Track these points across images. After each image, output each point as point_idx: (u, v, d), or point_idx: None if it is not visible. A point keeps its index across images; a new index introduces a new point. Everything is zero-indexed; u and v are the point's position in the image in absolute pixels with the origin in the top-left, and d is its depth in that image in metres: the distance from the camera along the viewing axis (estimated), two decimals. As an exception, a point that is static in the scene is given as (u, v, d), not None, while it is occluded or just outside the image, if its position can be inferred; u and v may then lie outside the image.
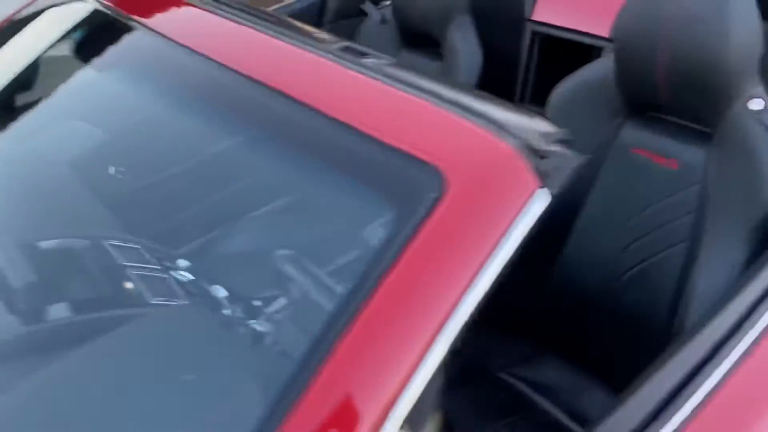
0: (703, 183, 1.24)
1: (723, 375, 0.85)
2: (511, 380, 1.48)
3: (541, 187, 0.69)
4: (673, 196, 1.28)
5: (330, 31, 2.04)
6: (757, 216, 1.13)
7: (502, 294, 1.46)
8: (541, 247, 1.45)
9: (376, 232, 0.72)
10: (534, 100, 1.84)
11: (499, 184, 0.71)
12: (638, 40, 1.18)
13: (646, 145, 1.32)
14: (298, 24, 1.17)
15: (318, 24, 2.11)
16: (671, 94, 1.22)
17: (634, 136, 1.34)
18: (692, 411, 0.83)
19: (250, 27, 1.01)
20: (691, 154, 1.26)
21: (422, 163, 0.72)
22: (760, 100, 1.13)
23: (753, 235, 1.13)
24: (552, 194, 0.70)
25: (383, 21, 1.93)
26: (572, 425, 1.38)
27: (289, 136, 0.87)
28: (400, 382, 0.63)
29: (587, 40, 1.62)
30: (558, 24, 1.68)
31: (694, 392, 0.84)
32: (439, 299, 0.66)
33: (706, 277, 1.20)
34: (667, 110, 1.30)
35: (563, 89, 1.41)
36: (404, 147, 0.74)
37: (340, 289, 0.72)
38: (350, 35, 1.99)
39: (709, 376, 0.85)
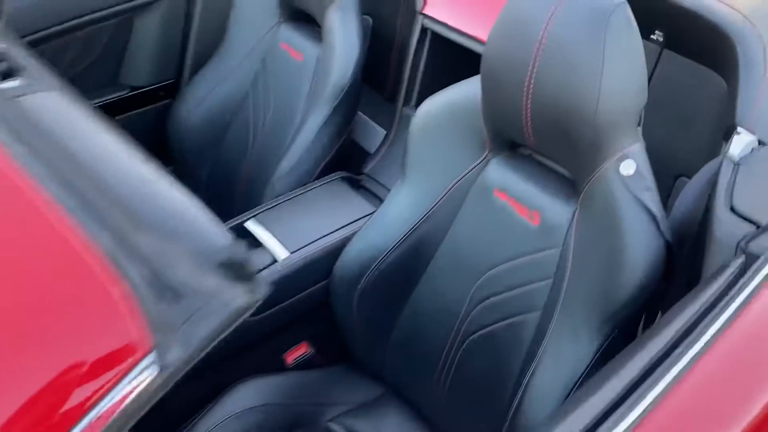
0: (565, 248, 1.03)
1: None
2: (339, 430, 1.28)
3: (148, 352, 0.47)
4: (532, 256, 1.08)
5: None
6: (612, 301, 0.93)
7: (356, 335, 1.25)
8: (396, 288, 1.25)
9: None
10: (420, 102, 1.61)
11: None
12: (505, 69, 0.95)
13: (510, 189, 1.10)
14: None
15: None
16: (536, 137, 1.00)
17: (500, 176, 1.12)
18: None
19: None
20: (556, 211, 1.04)
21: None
22: (632, 162, 0.91)
23: (608, 322, 0.94)
24: (161, 366, 0.47)
25: None
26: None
27: None
28: None
29: (479, 48, 1.38)
30: (450, 24, 1.43)
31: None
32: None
33: (551, 360, 1.00)
34: (537, 151, 1.08)
35: (428, 108, 1.18)
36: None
37: None
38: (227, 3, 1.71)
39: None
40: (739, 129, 0.91)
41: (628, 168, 0.91)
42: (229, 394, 1.26)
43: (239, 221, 1.38)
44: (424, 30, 1.50)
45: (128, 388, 0.46)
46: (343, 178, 1.49)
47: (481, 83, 1.02)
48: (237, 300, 0.51)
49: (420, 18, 1.51)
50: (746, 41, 0.96)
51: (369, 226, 1.26)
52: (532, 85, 0.92)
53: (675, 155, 1.23)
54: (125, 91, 1.79)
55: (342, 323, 1.31)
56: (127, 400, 0.47)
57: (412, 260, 1.23)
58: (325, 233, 1.33)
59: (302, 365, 1.38)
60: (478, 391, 1.17)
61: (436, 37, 1.50)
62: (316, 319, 1.36)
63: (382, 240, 1.23)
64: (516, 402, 1.04)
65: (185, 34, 1.84)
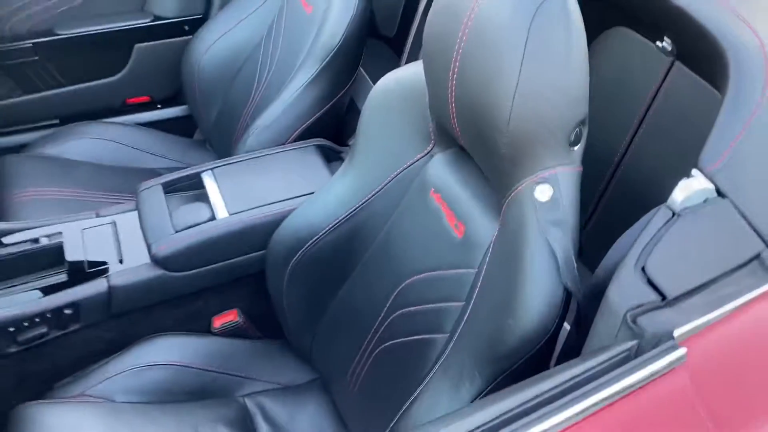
0: (479, 271, 0.88)
1: None
2: (252, 408, 1.22)
3: None
4: (451, 271, 0.94)
5: None
6: (498, 347, 0.78)
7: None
8: (327, 271, 1.15)
9: None
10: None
11: None
12: (436, 50, 0.80)
13: (444, 192, 0.95)
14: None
15: None
16: (463, 135, 0.84)
17: (439, 174, 0.97)
18: None
19: None
20: (481, 226, 0.89)
21: None
22: (549, 187, 0.74)
23: (487, 371, 0.79)
24: None
25: None
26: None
27: None
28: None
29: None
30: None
31: None
32: None
33: (428, 399, 0.87)
34: (472, 155, 0.92)
35: (383, 85, 1.04)
36: None
37: None
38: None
39: None
40: (694, 172, 0.72)
41: (543, 193, 0.75)
42: (142, 345, 1.22)
43: (198, 170, 1.32)
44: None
45: None
46: (319, 146, 1.38)
47: (422, 63, 0.88)
48: None
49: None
50: (742, 61, 0.75)
51: (309, 203, 1.15)
52: (455, 73, 0.77)
53: (669, 188, 1.04)
54: (148, 19, 1.76)
55: (274, 297, 1.23)
56: None
57: (347, 246, 1.12)
58: (271, 201, 1.23)
59: (230, 333, 1.31)
60: (378, 401, 1.06)
61: None
62: (251, 288, 1.29)
63: (319, 219, 1.13)
64: (392, 424, 0.92)
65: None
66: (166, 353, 1.22)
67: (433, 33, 0.81)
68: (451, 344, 0.88)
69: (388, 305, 1.05)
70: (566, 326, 0.84)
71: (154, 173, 1.69)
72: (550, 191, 0.74)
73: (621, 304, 0.63)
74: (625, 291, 0.64)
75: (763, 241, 0.67)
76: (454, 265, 0.93)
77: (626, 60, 1.08)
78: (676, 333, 0.60)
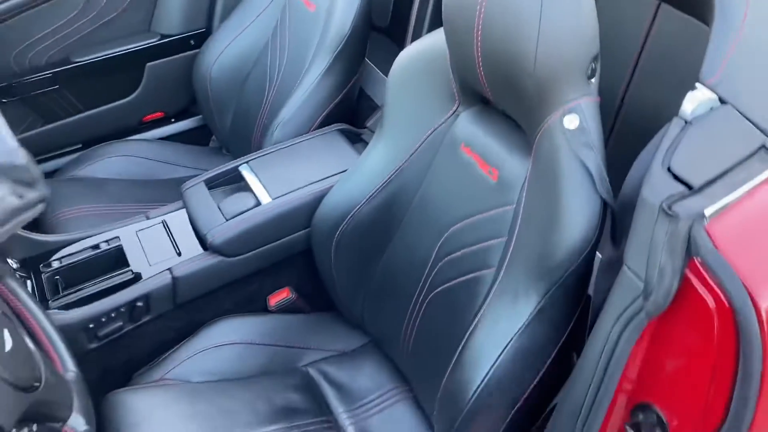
0: (518, 206, 0.99)
1: None
2: (315, 376, 1.32)
3: None
4: (489, 213, 1.05)
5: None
6: (548, 260, 0.89)
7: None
8: (371, 239, 1.26)
9: None
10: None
11: None
12: (458, 11, 0.92)
13: (474, 144, 1.07)
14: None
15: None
16: (492, 92, 0.96)
17: (466, 130, 1.09)
18: None
19: None
20: (513, 167, 1.01)
21: None
22: (575, 116, 0.86)
23: (543, 282, 0.90)
24: None
25: None
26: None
27: None
28: None
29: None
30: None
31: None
32: None
33: (492, 315, 0.98)
34: (496, 103, 1.04)
35: (404, 58, 1.15)
36: None
37: None
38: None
39: None
40: (697, 85, 0.84)
41: (571, 122, 0.86)
42: (208, 329, 1.32)
43: (236, 165, 1.42)
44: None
45: None
46: (340, 131, 1.49)
47: (444, 28, 0.99)
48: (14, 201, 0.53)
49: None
50: None
51: (346, 178, 1.26)
52: (480, 30, 0.88)
53: (670, 117, 1.16)
54: (156, 39, 1.86)
55: (323, 272, 1.33)
56: None
57: (387, 213, 1.23)
58: (310, 182, 1.34)
59: (285, 309, 1.42)
60: (435, 347, 1.16)
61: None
62: (300, 266, 1.39)
63: (357, 192, 1.23)
64: (455, 358, 1.03)
65: (215, -16, 1.88)
66: (230, 334, 1.32)
67: (453, 4, 0.92)
68: (502, 272, 0.99)
69: (432, 257, 1.16)
70: (598, 255, 0.95)
71: (179, 182, 1.79)
72: (577, 120, 0.86)
73: (655, 198, 0.74)
74: (656, 188, 0.75)
75: (765, 134, 0.79)
76: (492, 206, 1.04)
77: (616, 8, 1.20)
78: (707, 212, 0.71)
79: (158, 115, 1.97)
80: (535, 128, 0.93)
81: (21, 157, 0.59)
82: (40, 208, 0.59)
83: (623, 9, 1.17)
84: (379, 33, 1.82)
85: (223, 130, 1.84)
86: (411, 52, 1.14)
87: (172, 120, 2.00)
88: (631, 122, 1.21)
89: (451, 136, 1.11)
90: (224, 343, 1.31)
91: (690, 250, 0.73)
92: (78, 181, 1.75)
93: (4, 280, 0.83)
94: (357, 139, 1.49)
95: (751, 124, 0.80)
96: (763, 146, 0.78)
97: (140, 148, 1.87)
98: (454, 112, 1.10)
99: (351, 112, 1.60)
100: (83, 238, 1.32)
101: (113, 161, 1.82)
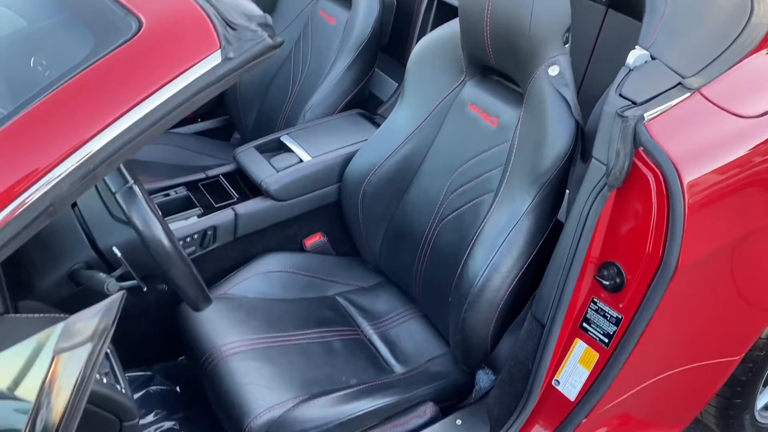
0: (513, 140, 1.38)
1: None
2: (343, 302, 1.63)
3: (220, 48, 0.84)
4: (490, 150, 1.42)
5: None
6: (539, 168, 1.27)
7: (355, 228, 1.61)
8: (391, 187, 1.60)
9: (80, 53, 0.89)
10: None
11: (186, 38, 0.86)
12: (473, 6, 1.32)
13: (478, 102, 1.46)
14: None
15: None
16: (496, 56, 1.35)
17: (472, 94, 1.47)
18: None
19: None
20: (509, 113, 1.39)
21: (126, 10, 0.91)
22: (556, 66, 1.26)
23: (535, 185, 1.28)
24: (226, 58, 0.84)
25: None
26: (379, 344, 1.54)
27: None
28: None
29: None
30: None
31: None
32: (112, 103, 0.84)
33: (492, 222, 1.34)
34: (497, 72, 1.43)
35: (422, 43, 1.55)
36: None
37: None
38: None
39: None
40: (636, 47, 1.24)
41: (554, 70, 1.26)
42: (258, 260, 1.63)
43: (278, 136, 1.76)
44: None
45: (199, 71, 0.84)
46: (359, 113, 1.86)
47: (459, 14, 1.39)
48: (263, 40, 0.88)
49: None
50: None
51: (372, 140, 1.62)
52: (489, 11, 1.28)
53: None
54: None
55: (350, 219, 1.67)
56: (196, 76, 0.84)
57: (405, 165, 1.58)
58: (341, 146, 1.70)
59: (317, 251, 1.74)
60: (443, 265, 1.49)
61: (441, 5, 1.88)
62: (331, 215, 1.73)
63: (381, 150, 1.59)
64: (463, 259, 1.37)
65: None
66: (276, 265, 1.64)
67: None
68: (502, 188, 1.36)
69: (442, 195, 1.51)
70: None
71: (206, 168, 2.11)
72: (558, 68, 1.26)
73: (612, 109, 1.13)
74: (612, 104, 1.14)
75: (680, 76, 1.20)
76: (492, 145, 1.42)
77: (575, 13, 1.63)
78: (646, 115, 1.11)
79: (189, 114, 2.29)
80: (527, 78, 1.32)
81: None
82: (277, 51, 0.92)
83: (576, 13, 1.61)
84: (381, 51, 2.23)
85: (247, 127, 2.18)
86: (427, 39, 1.53)
87: (198, 119, 2.33)
88: (589, 93, 1.63)
89: (459, 99, 1.50)
90: (272, 270, 1.62)
91: (635, 142, 1.11)
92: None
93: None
94: (373, 120, 1.86)
95: (671, 71, 1.21)
96: (679, 83, 1.19)
97: (175, 138, 2.18)
98: (462, 81, 1.49)
99: (363, 105, 1.97)
100: (158, 190, 1.62)
101: (151, 147, 2.13)
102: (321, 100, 1.85)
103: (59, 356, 0.63)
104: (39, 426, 0.61)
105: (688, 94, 1.17)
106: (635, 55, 1.22)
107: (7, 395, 0.62)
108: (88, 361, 0.63)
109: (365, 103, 1.97)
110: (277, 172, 1.63)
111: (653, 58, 1.23)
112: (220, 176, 1.69)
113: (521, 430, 1.33)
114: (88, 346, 0.63)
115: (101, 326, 0.69)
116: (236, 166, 1.71)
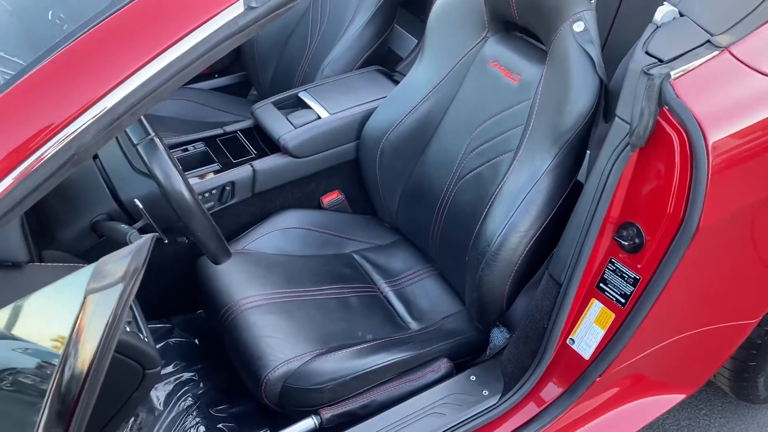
0: (534, 98, 1.36)
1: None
2: (359, 260, 1.64)
3: None
4: (511, 108, 1.41)
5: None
6: (561, 127, 1.25)
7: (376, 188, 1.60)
8: (410, 145, 1.59)
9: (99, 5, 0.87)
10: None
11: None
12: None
13: (500, 59, 1.43)
14: None
15: None
16: (519, 11, 1.33)
17: (494, 50, 1.45)
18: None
19: None
20: (531, 71, 1.37)
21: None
22: (581, 23, 1.24)
23: (556, 144, 1.26)
24: (249, 7, 0.83)
25: None
26: (395, 302, 1.55)
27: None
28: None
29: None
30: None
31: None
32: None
33: (511, 181, 1.33)
34: (520, 29, 1.41)
35: (442, 1, 1.52)
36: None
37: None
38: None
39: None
40: (665, 2, 1.21)
41: (579, 26, 1.23)
42: (276, 216, 1.64)
43: (296, 92, 1.75)
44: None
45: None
46: (378, 70, 1.84)
47: None
48: None
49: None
50: None
51: (391, 97, 1.61)
52: (514, -35, 1.25)
53: None
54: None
55: (367, 177, 1.67)
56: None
57: (425, 122, 1.57)
58: (359, 103, 1.68)
59: (334, 208, 1.75)
60: (461, 224, 1.49)
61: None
62: (348, 173, 1.72)
63: (400, 107, 1.58)
64: (481, 218, 1.37)
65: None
66: (294, 221, 1.65)
67: None
68: (522, 147, 1.35)
69: (462, 153, 1.50)
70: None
71: (224, 124, 2.11)
72: (583, 25, 1.23)
73: (637, 66, 1.11)
74: (638, 61, 1.12)
75: (709, 33, 1.17)
76: (513, 104, 1.40)
77: None
78: (672, 74, 1.09)
79: (206, 70, 2.28)
80: (552, 35, 1.30)
81: None
82: None
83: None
84: (401, 7, 2.19)
85: (264, 83, 2.17)
86: (448, -5, 1.51)
87: (216, 75, 2.32)
88: (614, 51, 1.60)
89: (481, 56, 1.47)
90: (290, 227, 1.63)
91: (660, 100, 1.09)
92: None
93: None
94: (392, 77, 1.84)
95: (700, 28, 1.18)
96: (708, 41, 1.16)
97: (193, 93, 2.18)
98: (484, 37, 1.47)
99: (383, 62, 1.95)
100: (172, 147, 1.63)
101: (168, 102, 2.12)
102: (339, 55, 1.83)
103: (90, 297, 0.65)
104: (70, 366, 0.62)
105: (716, 52, 1.14)
106: (663, 12, 1.19)
107: (39, 336, 0.64)
108: (119, 301, 0.64)
109: (384, 59, 1.94)
110: (295, 128, 1.62)
111: (681, 15, 1.20)
112: (238, 132, 1.68)
113: (535, 386, 1.34)
114: (119, 287, 0.65)
115: (132, 267, 0.70)
116: (254, 122, 1.71)
